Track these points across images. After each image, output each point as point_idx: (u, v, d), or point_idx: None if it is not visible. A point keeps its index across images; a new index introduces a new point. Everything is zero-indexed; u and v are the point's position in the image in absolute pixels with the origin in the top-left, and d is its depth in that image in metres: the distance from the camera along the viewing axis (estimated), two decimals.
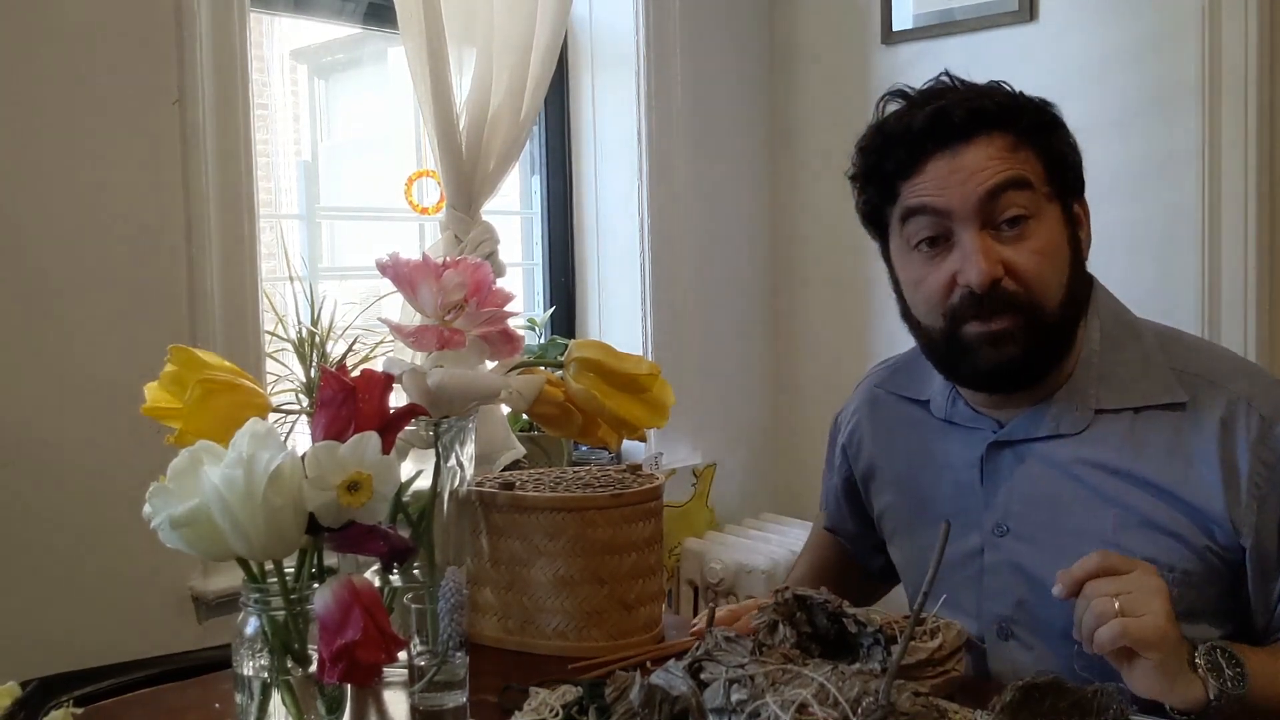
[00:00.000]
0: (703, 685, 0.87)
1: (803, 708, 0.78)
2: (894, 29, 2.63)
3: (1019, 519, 1.13)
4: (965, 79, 1.14)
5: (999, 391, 1.14)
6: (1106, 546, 1.03)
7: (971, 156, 1.07)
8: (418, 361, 1.12)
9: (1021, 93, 1.13)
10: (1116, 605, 0.93)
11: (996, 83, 1.14)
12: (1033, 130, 1.10)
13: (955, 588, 1.15)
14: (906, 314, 1.17)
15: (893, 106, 1.15)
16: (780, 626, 1.02)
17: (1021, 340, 1.07)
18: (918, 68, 2.60)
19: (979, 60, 2.47)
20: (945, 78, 1.15)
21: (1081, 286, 1.13)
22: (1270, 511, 1.04)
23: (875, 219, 1.17)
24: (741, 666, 0.86)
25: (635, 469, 1.28)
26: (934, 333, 1.12)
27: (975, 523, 1.15)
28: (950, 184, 1.07)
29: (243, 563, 0.86)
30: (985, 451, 1.15)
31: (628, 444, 2.43)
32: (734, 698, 0.83)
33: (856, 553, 1.40)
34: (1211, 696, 0.94)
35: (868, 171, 1.15)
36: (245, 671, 0.87)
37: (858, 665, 0.94)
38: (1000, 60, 2.43)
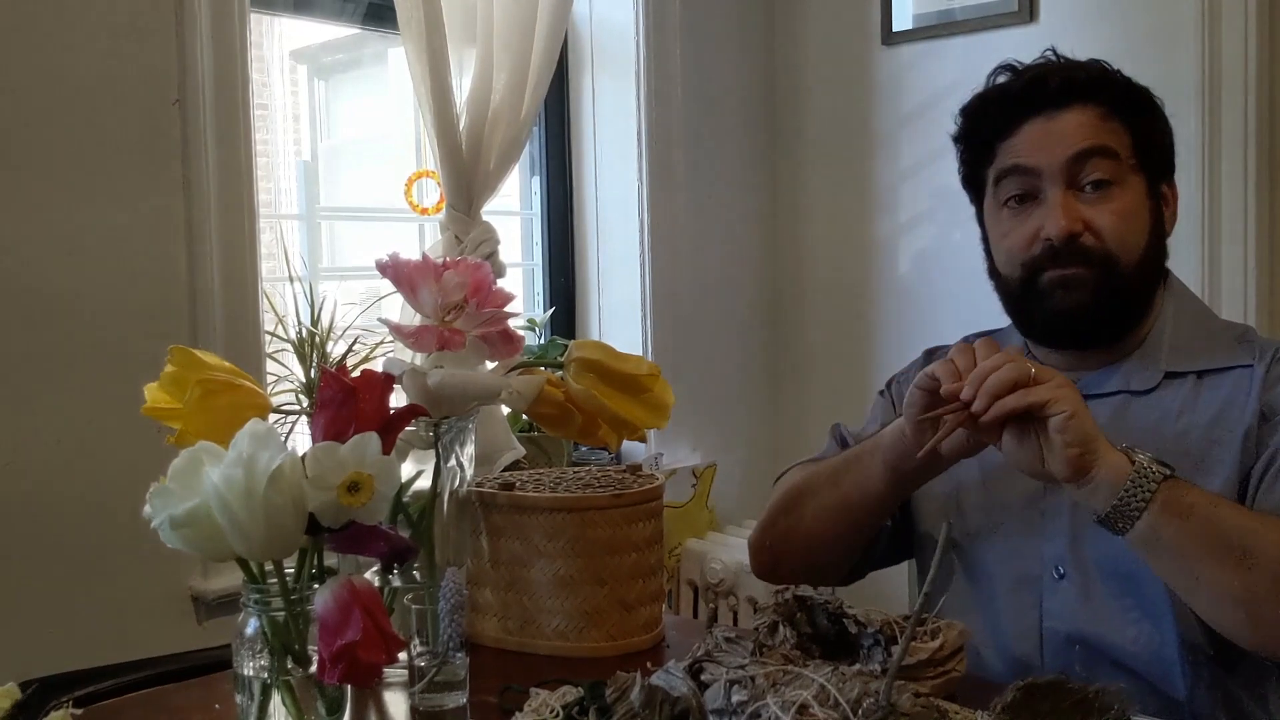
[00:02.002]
0: (703, 686, 0.87)
1: (803, 709, 0.78)
2: (894, 29, 2.62)
3: None
4: (1069, 56, 1.22)
5: (1069, 343, 1.20)
6: None
7: (1064, 122, 1.16)
8: (418, 362, 1.12)
9: (1119, 71, 1.20)
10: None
11: (1097, 60, 1.21)
12: (1124, 104, 1.17)
13: (1015, 531, 1.19)
14: (993, 271, 1.25)
15: (1001, 78, 1.23)
16: (780, 627, 1.03)
17: (1093, 287, 1.14)
18: (918, 68, 2.60)
19: (979, 61, 2.45)
20: (1050, 54, 1.23)
21: (1160, 256, 1.21)
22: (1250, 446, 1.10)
23: (973, 180, 1.26)
24: (742, 667, 0.86)
25: (635, 469, 1.28)
26: (1012, 283, 1.20)
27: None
28: (1043, 146, 1.16)
29: (243, 563, 0.86)
30: None
31: (628, 444, 2.43)
32: (734, 699, 0.83)
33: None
34: (1134, 463, 0.99)
35: (968, 132, 1.25)
36: (245, 672, 0.87)
37: (858, 666, 0.94)
38: (1000, 61, 2.42)
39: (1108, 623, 1.12)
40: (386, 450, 0.86)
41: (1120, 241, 1.14)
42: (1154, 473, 1.00)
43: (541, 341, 2.44)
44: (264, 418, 0.90)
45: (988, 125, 1.21)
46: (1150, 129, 1.19)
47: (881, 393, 1.41)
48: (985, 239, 1.26)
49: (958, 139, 1.27)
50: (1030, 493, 1.18)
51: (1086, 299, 1.14)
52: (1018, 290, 1.19)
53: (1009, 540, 1.19)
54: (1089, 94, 1.16)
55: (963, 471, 1.28)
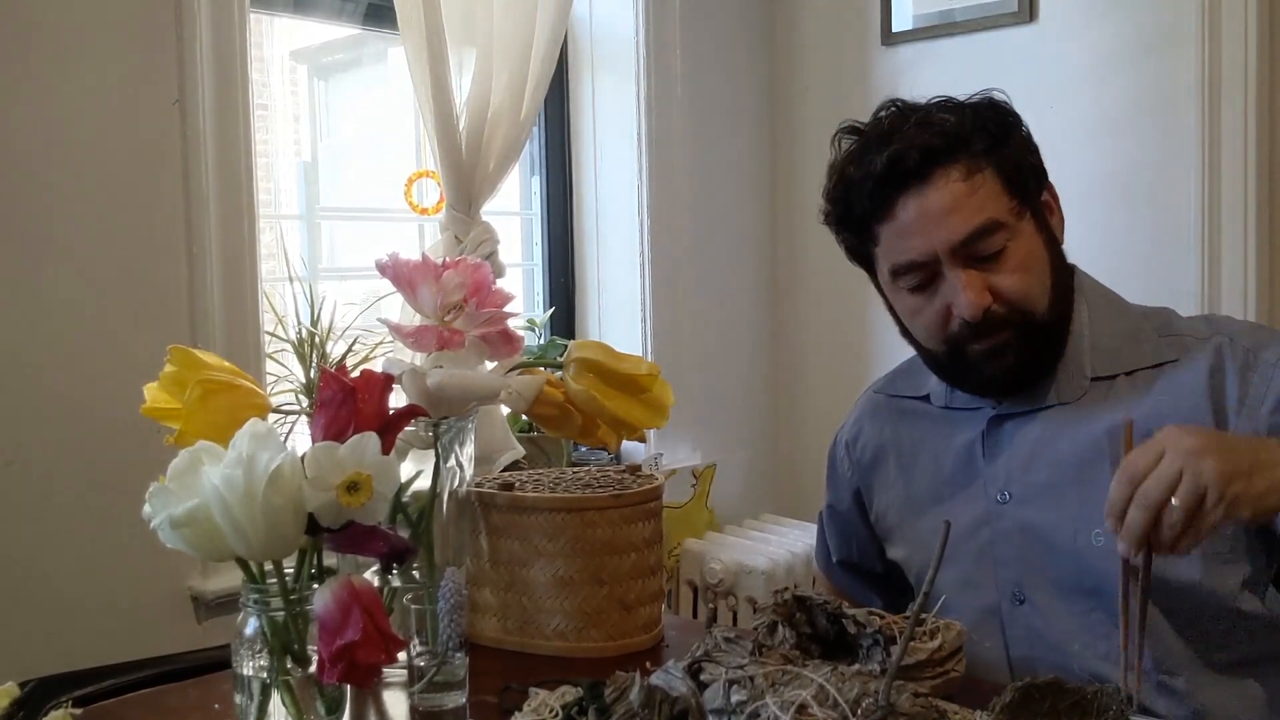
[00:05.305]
0: (702, 686, 0.87)
1: (802, 708, 0.78)
2: (894, 30, 2.62)
3: (1020, 484, 1.16)
4: (914, 103, 1.17)
5: (1006, 396, 1.18)
6: (1105, 493, 1.05)
7: (936, 196, 1.11)
8: (417, 362, 1.12)
9: (967, 108, 1.16)
10: (1176, 516, 0.91)
11: (943, 98, 1.17)
12: (984, 146, 1.13)
13: (966, 562, 1.18)
14: (906, 334, 1.22)
15: (846, 143, 1.18)
16: (780, 627, 1.03)
17: (1018, 349, 1.13)
18: (917, 68, 2.60)
19: (979, 61, 2.47)
20: (896, 106, 1.18)
21: (1065, 278, 1.18)
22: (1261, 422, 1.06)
23: (859, 255, 1.23)
24: (741, 667, 0.86)
25: (635, 469, 1.28)
26: (937, 354, 1.18)
27: (979, 494, 1.18)
28: (926, 230, 1.12)
29: (242, 563, 0.86)
30: (986, 426, 1.19)
31: (627, 444, 2.43)
32: (734, 698, 0.83)
33: (857, 589, 1.39)
34: None
35: (840, 217, 1.20)
36: (245, 672, 0.87)
37: (857, 666, 0.94)
38: (1000, 61, 2.43)
39: (1076, 642, 1.10)
40: (386, 450, 0.86)
41: (1030, 297, 1.12)
42: None
43: (541, 341, 2.44)
44: (264, 418, 0.90)
45: (857, 209, 1.16)
46: (1016, 156, 1.14)
47: (832, 455, 1.38)
48: (889, 305, 1.23)
49: (829, 223, 1.22)
50: (975, 521, 1.17)
51: (1014, 361, 1.13)
52: (945, 361, 1.18)
53: (961, 570, 1.17)
54: (950, 155, 1.12)
55: (891, 513, 1.29)
